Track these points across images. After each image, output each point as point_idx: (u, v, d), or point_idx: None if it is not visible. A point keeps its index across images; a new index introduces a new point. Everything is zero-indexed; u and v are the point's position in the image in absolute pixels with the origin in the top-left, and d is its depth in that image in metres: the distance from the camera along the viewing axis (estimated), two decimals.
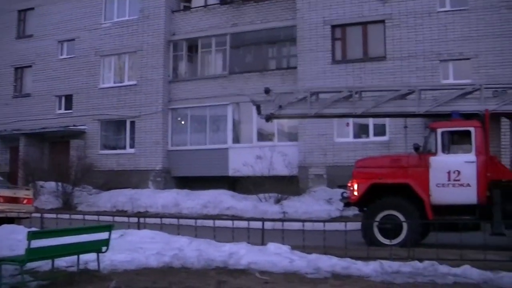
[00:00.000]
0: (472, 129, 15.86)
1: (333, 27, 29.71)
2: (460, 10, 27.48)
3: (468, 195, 15.47)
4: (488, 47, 26.71)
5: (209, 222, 15.32)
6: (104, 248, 11.20)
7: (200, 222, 15.90)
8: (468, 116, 16.55)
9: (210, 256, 12.17)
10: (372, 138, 28.15)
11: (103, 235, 11.17)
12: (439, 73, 27.31)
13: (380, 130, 28.02)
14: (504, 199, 15.44)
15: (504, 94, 17.22)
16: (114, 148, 35.12)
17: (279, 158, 27.26)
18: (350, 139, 28.51)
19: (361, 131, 28.57)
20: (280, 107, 18.68)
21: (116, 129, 35.42)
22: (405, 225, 15.29)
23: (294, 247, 12.71)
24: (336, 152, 28.24)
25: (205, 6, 34.20)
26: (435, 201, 15.66)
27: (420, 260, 11.55)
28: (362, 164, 17.23)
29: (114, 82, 35.35)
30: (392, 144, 27.14)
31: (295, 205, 24.96)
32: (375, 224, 15.65)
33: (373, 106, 17.93)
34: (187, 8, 35.15)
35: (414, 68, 27.46)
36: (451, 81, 26.62)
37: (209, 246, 12.85)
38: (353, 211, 19.70)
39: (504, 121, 23.24)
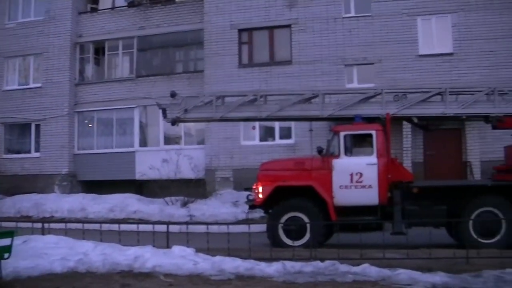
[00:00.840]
0: (373, 132, 16.25)
1: (240, 31, 29.96)
2: (364, 16, 28.22)
3: (370, 196, 15.91)
4: (390, 52, 27.55)
5: (115, 226, 15.21)
6: (6, 255, 10.96)
7: (106, 226, 15.80)
8: (370, 120, 16.94)
9: (115, 260, 12.13)
10: (278, 141, 28.56)
11: (5, 242, 10.93)
12: (344, 77, 27.96)
13: (286, 133, 28.45)
14: (404, 200, 15.97)
15: (404, 99, 17.69)
16: (18, 152, 34.17)
17: (185, 162, 27.26)
18: (256, 142, 28.84)
19: (267, 134, 28.94)
20: (186, 110, 18.67)
21: (21, 132, 34.46)
22: (309, 226, 15.56)
23: (199, 250, 12.79)
24: (242, 155, 28.50)
25: (113, 8, 33.92)
26: (338, 203, 16.00)
27: (322, 260, 11.81)
28: (267, 167, 17.41)
29: (19, 85, 34.44)
30: (297, 147, 27.60)
31: (202, 208, 25.01)
32: (280, 225, 15.89)
33: (277, 110, 18.15)
34: (94, 10, 34.75)
35: (320, 72, 27.97)
36: (355, 85, 27.32)
37: (114, 250, 12.80)
38: (259, 213, 19.87)
39: (406, 125, 24.01)
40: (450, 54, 27.21)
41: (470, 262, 12.00)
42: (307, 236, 15.55)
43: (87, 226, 15.34)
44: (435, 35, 27.56)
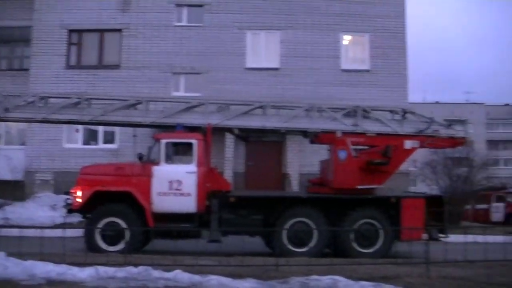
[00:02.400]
0: (194, 141, 16.51)
1: (70, 31, 29.60)
2: (196, 26, 28.74)
3: (188, 204, 16.15)
4: (219, 63, 28.16)
5: None
6: None
7: None
8: (192, 129, 17.14)
9: None
10: (101, 145, 28.49)
11: None
12: (171, 85, 28.22)
13: (109, 138, 28.40)
14: (221, 208, 16.32)
15: (227, 110, 18.06)
16: None
17: (4, 162, 26.51)
18: (79, 145, 28.59)
19: (90, 138, 28.68)
20: (7, 109, 18.10)
21: None
22: (127, 232, 15.58)
23: (10, 254, 12.46)
24: (64, 158, 28.04)
25: None
26: (156, 209, 16.09)
27: (136, 265, 11.86)
28: (87, 171, 17.20)
29: None
30: (120, 152, 27.52)
31: (19, 211, 24.25)
32: (97, 230, 15.78)
33: (100, 114, 17.91)
34: None
35: (147, 79, 28.13)
36: (182, 93, 27.72)
37: None
38: (78, 217, 19.62)
39: (229, 135, 24.54)
40: (277, 69, 28.19)
41: (280, 270, 12.40)
42: (124, 242, 15.58)
43: None
44: (263, 50, 28.46)
